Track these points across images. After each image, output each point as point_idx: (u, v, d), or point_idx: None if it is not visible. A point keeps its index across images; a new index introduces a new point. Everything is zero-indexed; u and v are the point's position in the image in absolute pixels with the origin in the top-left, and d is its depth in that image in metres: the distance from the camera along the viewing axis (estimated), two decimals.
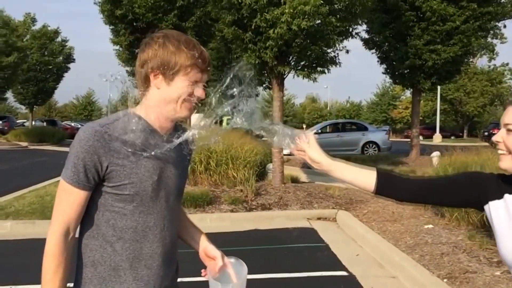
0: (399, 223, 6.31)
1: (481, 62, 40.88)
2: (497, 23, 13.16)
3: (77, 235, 1.41)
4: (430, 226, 5.97)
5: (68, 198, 1.33)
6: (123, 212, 1.36)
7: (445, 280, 4.15)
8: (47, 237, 1.35)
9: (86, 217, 1.39)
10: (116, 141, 1.33)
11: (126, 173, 1.33)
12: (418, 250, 5.09)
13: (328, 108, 75.59)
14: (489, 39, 13.74)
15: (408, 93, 44.01)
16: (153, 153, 1.35)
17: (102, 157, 1.31)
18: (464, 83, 40.54)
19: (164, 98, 1.38)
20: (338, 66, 8.84)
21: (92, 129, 1.33)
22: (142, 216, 1.38)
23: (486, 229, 5.34)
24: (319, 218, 7.22)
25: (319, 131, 19.40)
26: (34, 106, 32.79)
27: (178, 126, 1.51)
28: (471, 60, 14.98)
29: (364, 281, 4.47)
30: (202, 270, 1.55)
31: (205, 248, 1.56)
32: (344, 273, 4.72)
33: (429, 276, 4.27)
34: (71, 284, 1.43)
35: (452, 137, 42.54)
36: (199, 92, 1.39)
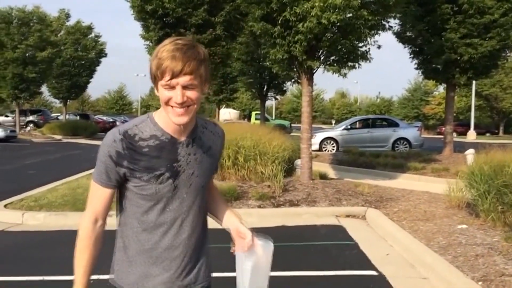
0: (432, 223, 6.13)
1: None
2: None
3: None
4: (464, 226, 5.77)
5: (95, 193, 1.54)
6: (144, 208, 1.52)
7: (480, 283, 3.98)
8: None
9: (121, 208, 1.58)
10: (135, 145, 1.47)
11: (144, 176, 1.48)
12: (451, 250, 4.92)
13: (358, 104, 74.64)
14: None
15: (441, 88, 42.99)
16: (166, 158, 1.49)
17: (121, 161, 1.46)
18: (501, 78, 39.20)
19: (161, 102, 1.46)
20: (369, 61, 8.64)
21: (113, 135, 1.48)
22: (161, 213, 1.52)
23: None
24: (348, 216, 7.08)
25: (348, 127, 19.15)
26: (68, 100, 33.63)
27: (200, 122, 1.60)
28: (508, 54, 14.38)
29: (395, 281, 4.35)
30: (232, 247, 1.63)
31: (237, 227, 1.64)
32: (373, 272, 4.61)
33: (463, 278, 4.12)
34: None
35: (487, 134, 41.26)
36: (175, 96, 1.40)
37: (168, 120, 1.47)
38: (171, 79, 1.38)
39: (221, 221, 1.75)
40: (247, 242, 1.57)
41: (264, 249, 1.59)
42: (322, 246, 5.62)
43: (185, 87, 1.39)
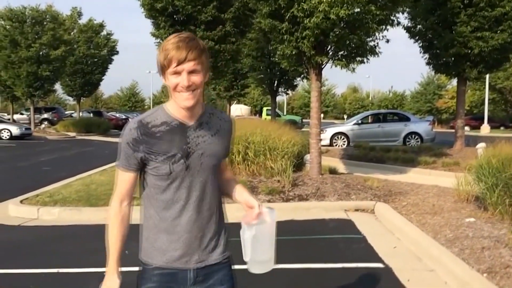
0: (439, 216, 6.16)
1: None
2: None
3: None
4: (472, 219, 5.79)
5: (120, 177, 1.76)
6: (162, 188, 1.71)
7: (484, 274, 4.03)
8: None
9: (143, 192, 1.78)
10: (149, 131, 1.67)
11: (159, 159, 1.67)
12: (458, 243, 4.96)
13: (370, 98, 74.16)
14: None
15: (454, 82, 42.44)
16: (177, 140, 1.69)
17: (138, 146, 1.67)
18: None
19: (170, 90, 1.67)
20: (377, 56, 8.65)
21: (130, 125, 1.70)
22: (176, 191, 1.70)
23: None
24: (356, 210, 7.13)
25: (359, 121, 19.11)
26: (81, 98, 34.03)
27: (207, 109, 1.79)
28: None
29: (401, 273, 4.41)
30: (241, 218, 1.76)
31: (246, 200, 1.80)
32: (380, 265, 4.68)
33: (468, 270, 4.16)
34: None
35: (502, 128, 40.70)
36: (181, 81, 1.61)
37: (177, 107, 1.69)
38: (177, 65, 1.59)
39: (232, 197, 1.91)
40: (255, 211, 1.71)
41: (270, 216, 1.72)
42: (331, 239, 5.69)
43: (190, 72, 1.60)
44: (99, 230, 6.43)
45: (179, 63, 1.59)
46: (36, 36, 24.78)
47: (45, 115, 34.34)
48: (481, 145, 10.57)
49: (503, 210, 5.65)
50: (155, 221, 1.74)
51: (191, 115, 1.72)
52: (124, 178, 1.74)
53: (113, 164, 7.55)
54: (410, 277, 4.33)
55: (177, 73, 1.60)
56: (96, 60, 30.98)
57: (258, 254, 1.71)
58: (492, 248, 4.67)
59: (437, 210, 6.50)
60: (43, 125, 31.14)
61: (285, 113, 49.57)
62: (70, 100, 52.26)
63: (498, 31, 12.09)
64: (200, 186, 1.73)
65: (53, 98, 60.72)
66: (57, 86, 31.50)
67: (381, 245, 5.35)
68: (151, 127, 1.68)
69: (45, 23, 25.28)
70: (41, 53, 25.05)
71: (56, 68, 25.74)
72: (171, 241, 1.73)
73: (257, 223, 1.69)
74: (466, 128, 34.83)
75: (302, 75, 19.17)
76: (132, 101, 69.22)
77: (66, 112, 41.77)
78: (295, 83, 22.35)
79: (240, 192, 1.88)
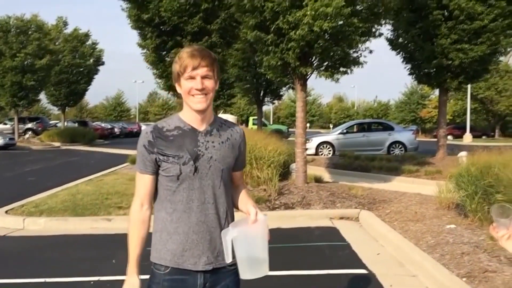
0: (422, 223, 6.31)
1: None
2: None
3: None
4: (453, 226, 5.95)
5: (138, 181, 1.88)
6: (173, 189, 1.82)
7: (464, 279, 4.17)
8: None
9: (156, 196, 1.88)
10: (163, 134, 1.82)
11: (170, 160, 1.79)
12: (439, 249, 5.10)
13: (355, 108, 74.90)
14: None
15: (437, 92, 43.20)
16: (188, 144, 1.82)
17: (152, 148, 1.81)
18: (496, 81, 39.49)
19: (183, 95, 1.83)
20: (361, 66, 8.86)
21: (146, 130, 1.86)
22: (186, 192, 1.81)
23: None
24: (341, 218, 7.26)
25: (344, 131, 19.35)
26: (66, 107, 33.76)
27: (218, 119, 1.94)
28: (499, 59, 14.57)
29: (384, 279, 4.53)
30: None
31: (248, 209, 1.86)
32: (364, 271, 4.79)
33: (448, 275, 4.30)
34: None
35: (484, 137, 41.51)
36: (195, 84, 1.78)
37: (190, 115, 1.85)
38: (192, 70, 1.76)
39: (240, 208, 1.98)
40: (251, 218, 1.76)
41: (261, 218, 1.75)
42: (316, 247, 5.79)
43: (203, 77, 1.77)
44: (85, 240, 6.48)
45: (194, 68, 1.76)
46: (21, 46, 24.57)
47: (29, 125, 33.91)
48: (462, 154, 10.84)
49: (482, 217, 5.82)
50: (166, 223, 1.83)
51: (203, 121, 1.86)
52: (142, 181, 1.86)
53: (99, 174, 7.66)
54: (392, 282, 4.45)
55: (192, 77, 1.77)
56: (81, 69, 30.81)
57: (251, 254, 1.70)
58: (472, 254, 4.82)
59: (419, 217, 6.66)
60: (27, 135, 30.75)
61: (271, 123, 49.77)
62: (55, 110, 51.72)
63: (478, 44, 12.42)
64: (208, 189, 1.83)
65: (37, 108, 60.05)
66: (42, 96, 31.22)
67: (365, 252, 5.47)
68: (165, 131, 1.83)
69: (30, 32, 25.11)
70: (26, 62, 24.83)
71: (41, 78, 25.52)
72: (180, 242, 1.81)
73: (236, 227, 1.72)
74: (449, 137, 35.42)
75: (287, 85, 19.39)
76: (117, 110, 68.75)
77: (51, 122, 41.29)
78: (281, 93, 22.55)
79: (244, 202, 1.96)
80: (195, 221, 1.81)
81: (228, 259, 1.73)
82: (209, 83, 1.79)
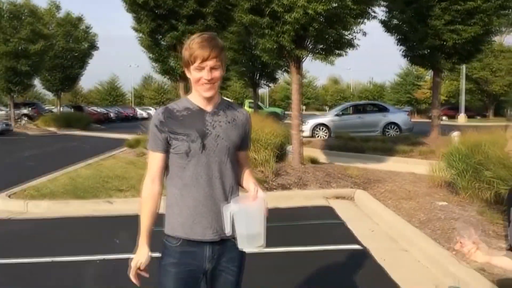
0: (414, 201, 6.52)
1: (508, 39, 39.75)
2: None
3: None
4: (444, 203, 6.17)
5: (150, 159, 2.01)
6: (182, 165, 1.96)
7: (453, 252, 4.37)
8: None
9: (167, 172, 2.02)
10: (173, 115, 1.96)
11: (180, 138, 1.93)
12: (430, 225, 5.32)
13: (351, 90, 74.95)
14: None
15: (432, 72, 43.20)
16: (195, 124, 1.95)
17: (163, 127, 1.94)
18: (490, 61, 39.58)
19: (192, 82, 1.96)
20: (355, 48, 8.96)
21: (158, 111, 2.01)
22: (194, 168, 1.95)
23: (497, 206, 5.51)
24: (337, 197, 7.45)
25: (340, 113, 19.50)
26: (61, 93, 33.64)
27: (225, 101, 2.08)
28: (493, 39, 14.68)
29: (377, 254, 4.73)
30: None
31: (248, 186, 2.03)
32: (358, 246, 4.99)
33: (439, 249, 4.51)
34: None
35: (478, 117, 41.79)
36: (204, 74, 1.90)
37: (198, 97, 1.98)
38: (201, 62, 1.87)
39: (242, 185, 2.12)
40: (251, 194, 1.92)
41: (260, 194, 1.91)
42: (312, 225, 5.99)
43: (212, 68, 1.89)
44: (88, 222, 6.66)
45: (203, 60, 1.87)
46: (14, 31, 24.40)
47: (24, 111, 33.80)
48: (455, 134, 11.01)
49: (472, 194, 6.03)
50: (177, 198, 1.97)
51: (210, 103, 2.00)
52: (153, 159, 1.99)
53: (97, 158, 7.82)
54: (385, 257, 4.65)
55: (201, 68, 1.89)
56: (75, 54, 30.61)
57: (249, 228, 1.85)
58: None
59: (412, 195, 6.87)
60: (23, 121, 30.73)
61: (267, 106, 49.83)
62: (49, 95, 51.51)
63: (471, 24, 12.51)
64: (215, 165, 1.96)
65: (31, 93, 59.67)
66: (36, 81, 31.09)
67: (360, 229, 5.67)
68: (175, 111, 1.98)
69: (23, 17, 24.89)
70: (19, 48, 24.67)
71: (35, 63, 25.38)
72: (190, 214, 1.94)
73: (235, 203, 1.86)
74: (444, 117, 35.62)
75: (283, 68, 19.43)
76: (112, 95, 68.47)
77: (46, 107, 41.17)
78: (276, 76, 22.59)
79: (246, 180, 2.09)
80: (203, 195, 1.94)
81: (227, 231, 1.85)
82: (217, 73, 1.91)
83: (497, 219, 5.14)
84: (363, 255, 4.72)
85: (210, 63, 1.89)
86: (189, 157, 1.94)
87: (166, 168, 2.03)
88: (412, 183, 7.79)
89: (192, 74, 1.93)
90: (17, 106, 32.07)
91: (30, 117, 32.57)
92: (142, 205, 1.99)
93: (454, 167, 6.39)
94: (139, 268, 1.96)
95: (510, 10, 12.61)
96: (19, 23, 24.66)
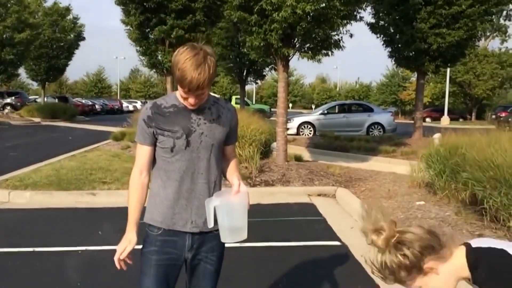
0: (393, 200, 6.68)
1: (493, 44, 40.42)
2: (503, 8, 13.22)
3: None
4: (422, 202, 6.33)
5: (138, 151, 2.08)
6: (167, 160, 2.03)
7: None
8: None
9: (155, 165, 2.08)
10: (160, 111, 2.01)
11: (165, 134, 1.99)
12: (407, 223, 5.45)
13: (338, 89, 75.40)
14: (502, 21, 13.84)
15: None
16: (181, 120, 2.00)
17: (151, 122, 2.00)
18: (474, 65, 40.23)
19: (180, 94, 1.98)
20: (341, 49, 9.09)
21: (146, 106, 2.07)
22: (179, 163, 2.02)
23: (472, 206, 5.69)
24: (319, 195, 7.57)
25: (325, 111, 19.68)
26: (46, 83, 33.24)
27: (211, 98, 2.09)
28: (476, 44, 15.02)
29: (355, 250, 4.85)
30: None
31: (232, 180, 2.08)
32: (337, 242, 5.12)
33: None
34: None
35: (461, 120, 42.46)
36: (191, 100, 1.93)
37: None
38: (189, 91, 1.87)
39: (227, 179, 2.19)
40: (234, 189, 1.97)
41: (243, 189, 1.97)
42: (293, 221, 6.11)
43: (198, 95, 1.90)
44: (71, 213, 6.67)
45: (190, 90, 1.86)
46: (0, 19, 24.04)
47: (8, 100, 33.32)
48: (436, 135, 11.25)
49: (449, 194, 6.21)
50: (160, 189, 2.04)
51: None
52: (141, 152, 2.06)
53: (82, 150, 7.84)
54: (363, 252, 4.76)
55: (189, 94, 1.90)
56: (62, 44, 30.28)
57: (232, 222, 1.92)
58: (437, 227, 5.18)
59: (392, 194, 7.03)
60: (6, 110, 30.31)
61: (254, 102, 49.88)
62: (34, 85, 50.84)
63: (455, 29, 12.77)
64: (198, 161, 2.02)
65: (15, 83, 58.79)
66: (21, 71, 30.67)
67: (340, 225, 5.80)
68: (163, 107, 2.02)
69: (9, 5, 24.52)
70: (4, 36, 24.34)
71: (20, 52, 25.06)
72: (171, 206, 2.02)
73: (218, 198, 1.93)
74: (428, 119, 36.09)
75: (270, 66, 19.53)
76: (98, 87, 67.85)
77: (30, 97, 40.62)
78: (263, 73, 22.69)
79: (231, 173, 2.15)
80: (185, 189, 2.01)
81: (210, 225, 1.92)
82: (203, 95, 1.94)
83: (471, 219, 5.31)
84: (341, 251, 4.85)
85: (198, 92, 1.89)
86: (173, 152, 2.00)
87: (153, 159, 2.09)
88: (392, 183, 7.96)
89: (179, 90, 1.94)
90: (0, 95, 31.64)
91: (14, 107, 32.13)
92: (130, 195, 2.05)
93: (433, 168, 6.57)
94: (124, 254, 2.00)
95: (494, 16, 12.84)
96: (5, 10, 24.31)
